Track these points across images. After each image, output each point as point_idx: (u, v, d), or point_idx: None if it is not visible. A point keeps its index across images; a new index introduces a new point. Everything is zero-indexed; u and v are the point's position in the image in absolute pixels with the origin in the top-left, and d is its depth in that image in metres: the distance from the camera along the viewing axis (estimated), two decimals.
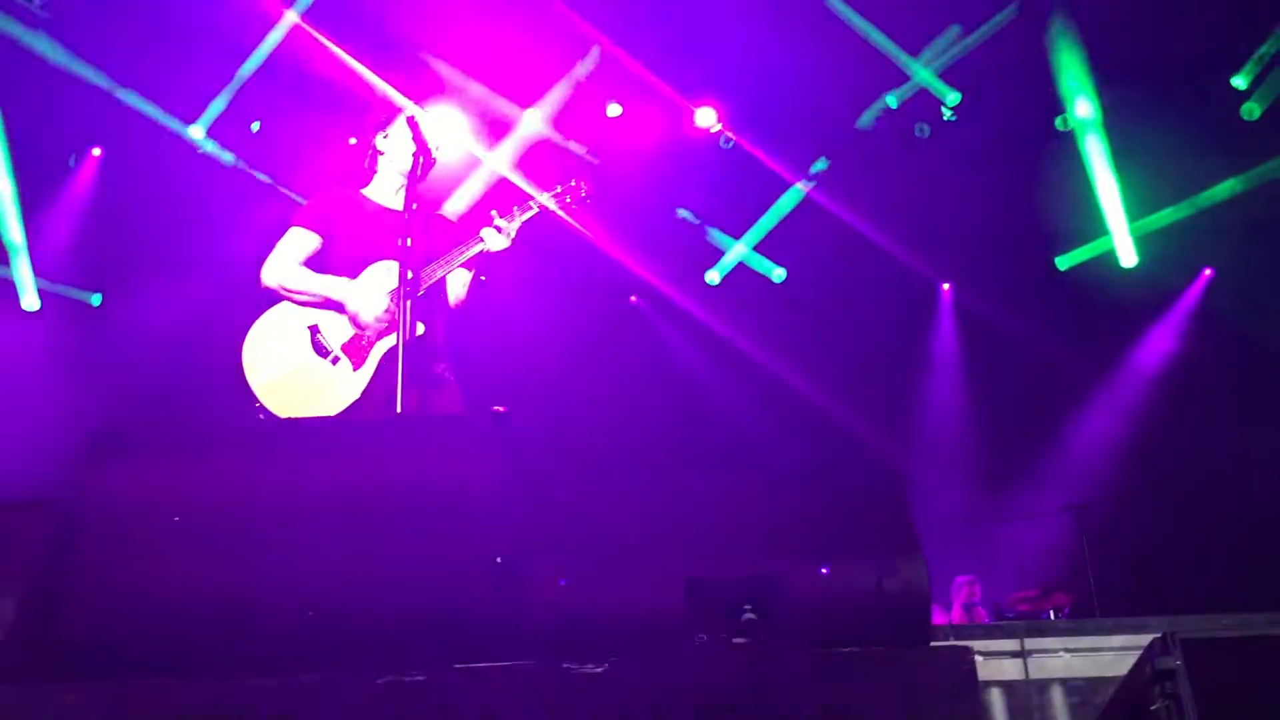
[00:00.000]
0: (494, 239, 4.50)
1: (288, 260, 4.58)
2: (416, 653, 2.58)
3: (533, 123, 8.25)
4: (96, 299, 8.57)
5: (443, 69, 7.80)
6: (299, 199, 7.95)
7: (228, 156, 8.21)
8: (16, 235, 7.98)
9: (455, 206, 8.07)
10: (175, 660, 2.58)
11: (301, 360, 4.42)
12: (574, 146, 8.37)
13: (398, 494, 2.70)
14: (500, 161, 8.17)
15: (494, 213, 4.56)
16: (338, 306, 4.46)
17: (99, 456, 2.78)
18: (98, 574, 2.59)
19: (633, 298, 9.66)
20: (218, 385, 4.84)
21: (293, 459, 2.81)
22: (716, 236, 9.11)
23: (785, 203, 8.88)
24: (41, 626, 2.60)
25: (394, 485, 2.72)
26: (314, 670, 2.53)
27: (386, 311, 4.40)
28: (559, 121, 8.33)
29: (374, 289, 4.44)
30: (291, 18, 7.56)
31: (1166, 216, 8.68)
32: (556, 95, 8.17)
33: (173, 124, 7.98)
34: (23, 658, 2.58)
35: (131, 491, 2.69)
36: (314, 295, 4.49)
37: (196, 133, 8.07)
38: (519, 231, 4.56)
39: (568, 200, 4.70)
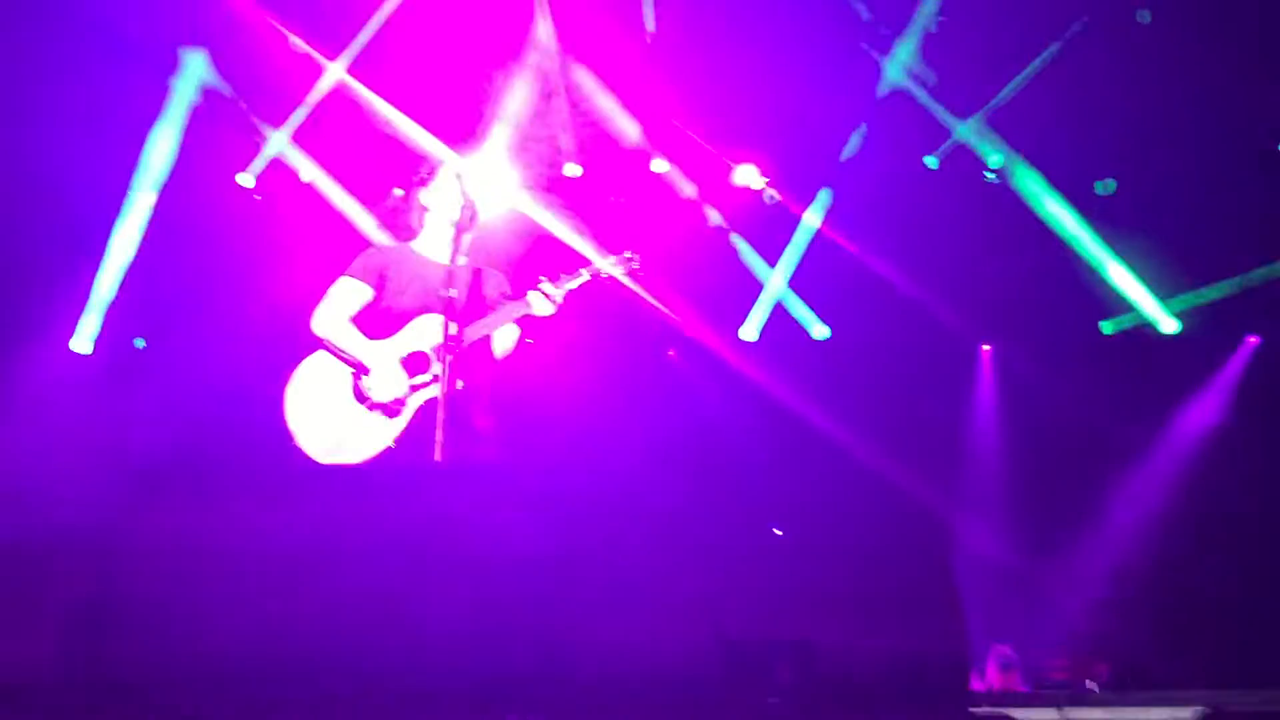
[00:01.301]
0: (541, 304, 4.54)
1: (336, 311, 4.66)
2: (451, 704, 2.57)
3: (575, 174, 8.35)
4: (140, 342, 8.67)
5: (488, 121, 7.91)
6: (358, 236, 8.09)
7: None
8: (108, 284, 8.14)
9: (504, 259, 8.16)
10: (215, 700, 2.59)
11: (340, 404, 4.47)
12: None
13: (436, 544, 2.71)
14: (551, 219, 8.24)
15: (543, 278, 4.60)
16: (363, 369, 4.51)
17: (139, 497, 2.81)
18: (139, 614, 2.61)
19: (670, 352, 9.67)
20: (259, 430, 4.89)
21: (332, 504, 2.83)
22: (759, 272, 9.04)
23: (803, 237, 8.84)
24: (84, 665, 2.62)
25: (430, 530, 2.73)
26: (346, 709, 2.53)
27: (396, 401, 4.42)
28: (603, 175, 8.42)
29: (395, 371, 4.46)
30: (337, 70, 7.71)
31: (1210, 293, 8.60)
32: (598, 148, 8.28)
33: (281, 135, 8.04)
34: (65, 695, 2.60)
35: (172, 534, 2.72)
36: (345, 354, 4.56)
37: (246, 180, 8.20)
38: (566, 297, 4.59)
39: (619, 271, 4.72)
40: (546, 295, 4.53)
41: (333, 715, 2.60)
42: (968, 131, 8.04)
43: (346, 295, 4.70)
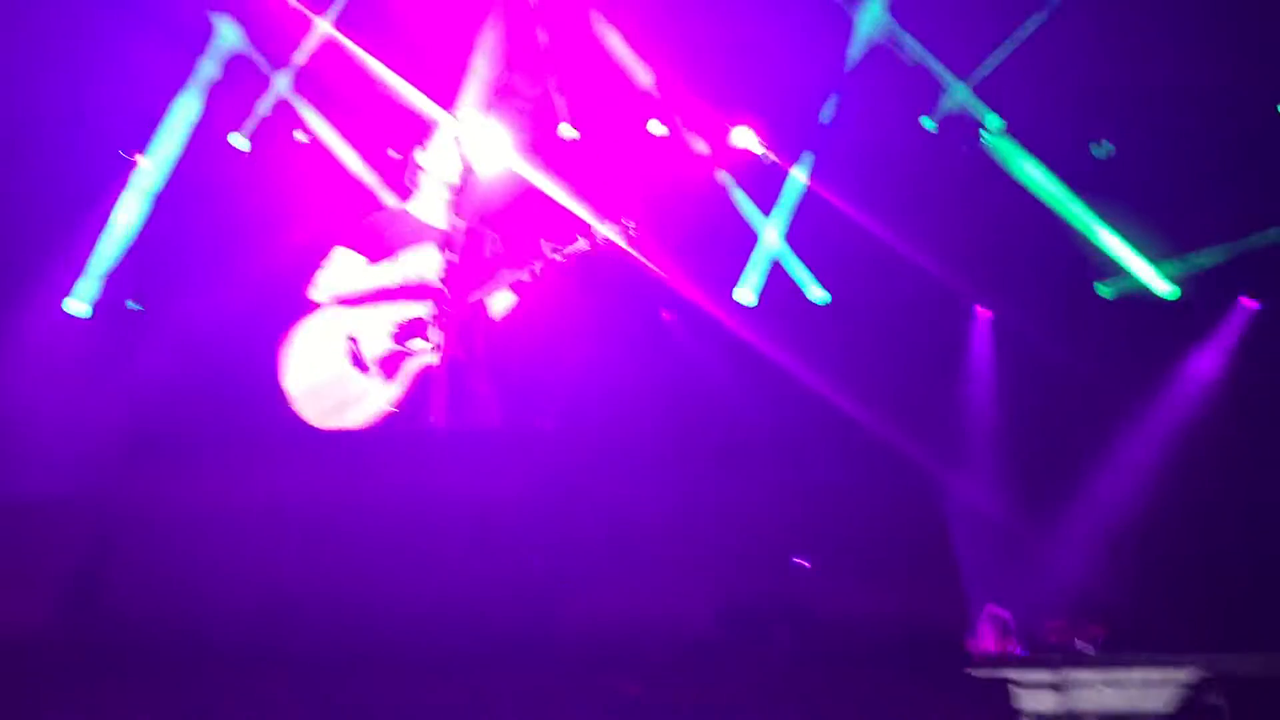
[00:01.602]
0: (539, 270, 4.57)
1: (334, 279, 4.68)
2: (450, 661, 2.58)
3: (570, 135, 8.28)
4: (133, 304, 8.64)
5: (483, 79, 7.84)
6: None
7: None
8: (110, 248, 8.09)
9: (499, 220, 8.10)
10: (211, 659, 2.60)
11: (337, 369, 4.49)
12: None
13: (432, 503, 2.71)
14: (546, 181, 8.17)
15: (543, 243, 4.62)
16: (391, 295, 4.54)
17: (137, 459, 2.81)
18: (136, 573, 2.61)
19: (665, 313, 9.64)
20: (255, 392, 4.89)
21: (327, 466, 2.83)
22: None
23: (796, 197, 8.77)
24: (82, 622, 2.62)
25: (429, 495, 2.73)
26: (344, 673, 2.54)
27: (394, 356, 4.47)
28: (599, 136, 8.36)
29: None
30: (324, 26, 7.63)
31: (1205, 258, 8.58)
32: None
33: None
34: (63, 652, 2.60)
35: (169, 493, 2.72)
36: (347, 311, 4.59)
37: (240, 142, 8.13)
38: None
39: (617, 237, 4.74)
40: (545, 261, 4.55)
41: (330, 678, 2.60)
42: (962, 91, 7.97)
43: (343, 263, 4.72)
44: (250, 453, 2.90)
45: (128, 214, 8.08)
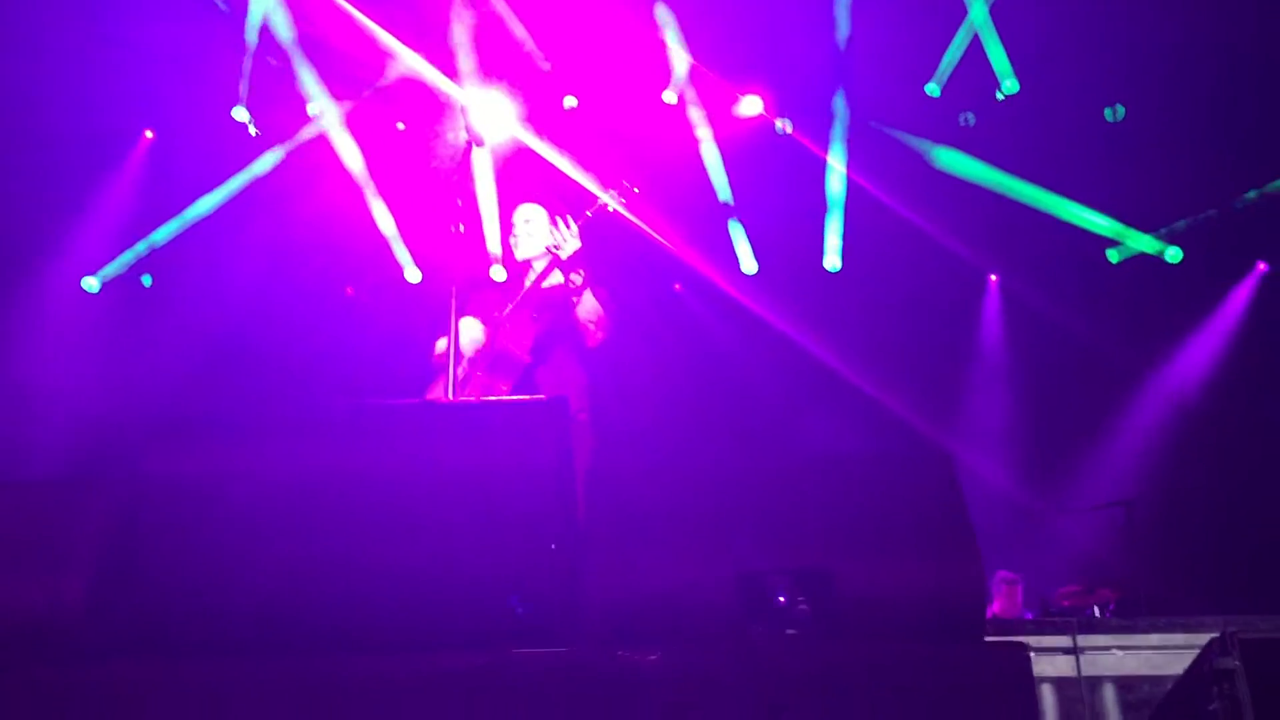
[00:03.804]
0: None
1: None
2: (472, 636, 2.61)
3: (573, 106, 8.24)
4: (147, 279, 8.64)
5: (487, 53, 7.80)
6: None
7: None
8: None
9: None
10: (237, 638, 2.62)
11: None
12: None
13: (452, 478, 2.72)
14: (552, 153, 8.12)
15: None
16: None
17: (160, 439, 2.82)
18: (164, 551, 2.63)
19: (676, 285, 9.63)
20: (267, 369, 4.91)
21: (348, 443, 2.85)
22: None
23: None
24: (111, 604, 2.65)
25: (448, 469, 2.75)
26: (368, 650, 2.57)
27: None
28: (608, 106, 8.32)
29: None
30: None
31: (1205, 218, 8.53)
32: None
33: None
34: (91, 633, 2.63)
35: (194, 472, 2.74)
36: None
37: (241, 115, 8.07)
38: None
39: (622, 201, 4.75)
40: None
41: (360, 655, 2.63)
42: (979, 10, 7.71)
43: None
44: (275, 429, 2.91)
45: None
